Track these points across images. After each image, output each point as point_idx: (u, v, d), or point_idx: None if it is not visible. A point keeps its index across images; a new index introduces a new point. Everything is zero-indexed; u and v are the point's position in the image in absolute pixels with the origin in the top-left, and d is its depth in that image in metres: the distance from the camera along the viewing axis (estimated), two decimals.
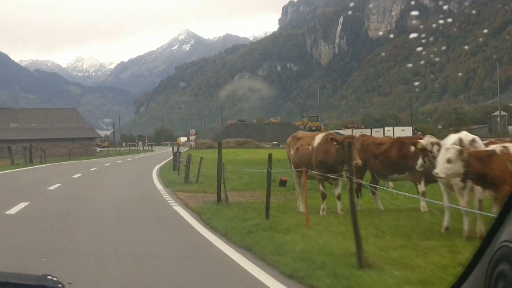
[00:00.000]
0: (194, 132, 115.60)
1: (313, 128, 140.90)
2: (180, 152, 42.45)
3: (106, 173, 42.86)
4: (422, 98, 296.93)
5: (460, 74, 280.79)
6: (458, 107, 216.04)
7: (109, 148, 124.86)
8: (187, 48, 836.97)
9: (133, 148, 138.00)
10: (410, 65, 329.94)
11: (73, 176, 36.13)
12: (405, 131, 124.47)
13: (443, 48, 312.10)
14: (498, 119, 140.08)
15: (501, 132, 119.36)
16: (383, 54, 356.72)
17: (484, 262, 1.16)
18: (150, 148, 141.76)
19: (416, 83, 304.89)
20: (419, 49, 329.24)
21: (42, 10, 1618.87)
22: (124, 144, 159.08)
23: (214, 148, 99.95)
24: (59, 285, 1.67)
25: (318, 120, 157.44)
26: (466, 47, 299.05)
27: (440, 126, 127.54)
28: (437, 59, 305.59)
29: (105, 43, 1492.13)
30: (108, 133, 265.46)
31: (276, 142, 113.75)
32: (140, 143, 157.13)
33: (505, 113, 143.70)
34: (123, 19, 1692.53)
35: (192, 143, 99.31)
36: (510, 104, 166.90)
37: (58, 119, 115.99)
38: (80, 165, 53.98)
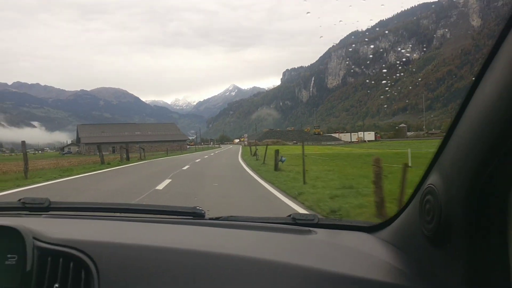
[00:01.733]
0: (246, 135, 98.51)
1: (316, 133, 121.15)
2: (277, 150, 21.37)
3: (200, 178, 12.42)
4: (355, 118, 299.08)
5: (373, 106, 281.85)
6: (376, 122, 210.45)
7: (195, 146, 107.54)
8: (233, 94, 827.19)
9: (209, 146, 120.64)
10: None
11: (156, 188, 9.33)
12: (370, 135, 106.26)
13: (368, 91, 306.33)
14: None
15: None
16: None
17: (418, 197, 0.98)
18: (218, 145, 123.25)
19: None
20: (356, 93, 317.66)
21: (156, 74, 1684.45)
22: (202, 143, 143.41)
23: (259, 145, 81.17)
24: (203, 211, 1.46)
25: (319, 128, 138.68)
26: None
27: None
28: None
29: (191, 91, 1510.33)
30: (193, 137, 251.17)
31: (295, 141, 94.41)
32: (211, 142, 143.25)
33: (405, 125, 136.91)
34: (201, 79, 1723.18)
35: (246, 142, 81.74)
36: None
37: (164, 129, 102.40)
38: (172, 163, 22.83)
